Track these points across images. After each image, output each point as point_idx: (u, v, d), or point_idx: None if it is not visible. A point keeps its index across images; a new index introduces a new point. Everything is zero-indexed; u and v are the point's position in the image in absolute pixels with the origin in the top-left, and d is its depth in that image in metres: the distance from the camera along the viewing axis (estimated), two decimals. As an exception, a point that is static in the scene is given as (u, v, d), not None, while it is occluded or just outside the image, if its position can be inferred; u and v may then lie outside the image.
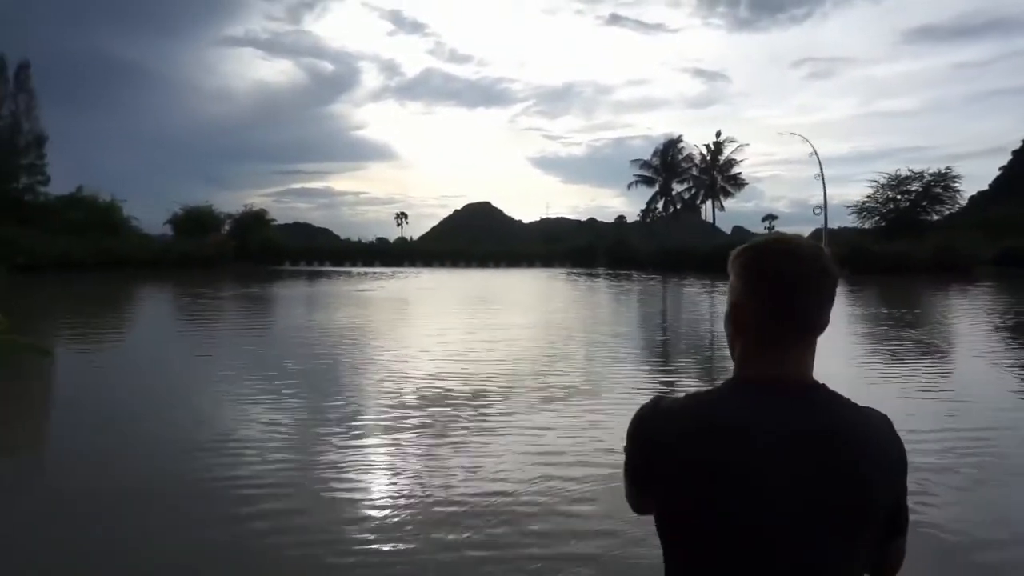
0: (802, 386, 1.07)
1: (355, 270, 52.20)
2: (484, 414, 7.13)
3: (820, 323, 1.10)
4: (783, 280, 1.08)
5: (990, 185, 79.74)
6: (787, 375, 1.07)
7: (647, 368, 10.47)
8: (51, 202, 49.21)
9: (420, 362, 10.42)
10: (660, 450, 1.07)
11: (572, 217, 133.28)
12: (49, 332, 14.21)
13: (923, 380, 9.27)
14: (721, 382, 1.13)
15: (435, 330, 15.19)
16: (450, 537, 4.08)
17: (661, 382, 9.19)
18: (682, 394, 1.14)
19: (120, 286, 29.72)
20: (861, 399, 1.12)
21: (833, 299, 1.10)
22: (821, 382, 1.09)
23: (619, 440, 1.17)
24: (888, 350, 12.05)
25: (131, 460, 5.65)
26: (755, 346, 1.11)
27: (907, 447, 1.11)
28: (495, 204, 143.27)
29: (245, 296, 25.67)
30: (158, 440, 6.23)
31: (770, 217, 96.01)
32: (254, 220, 60.41)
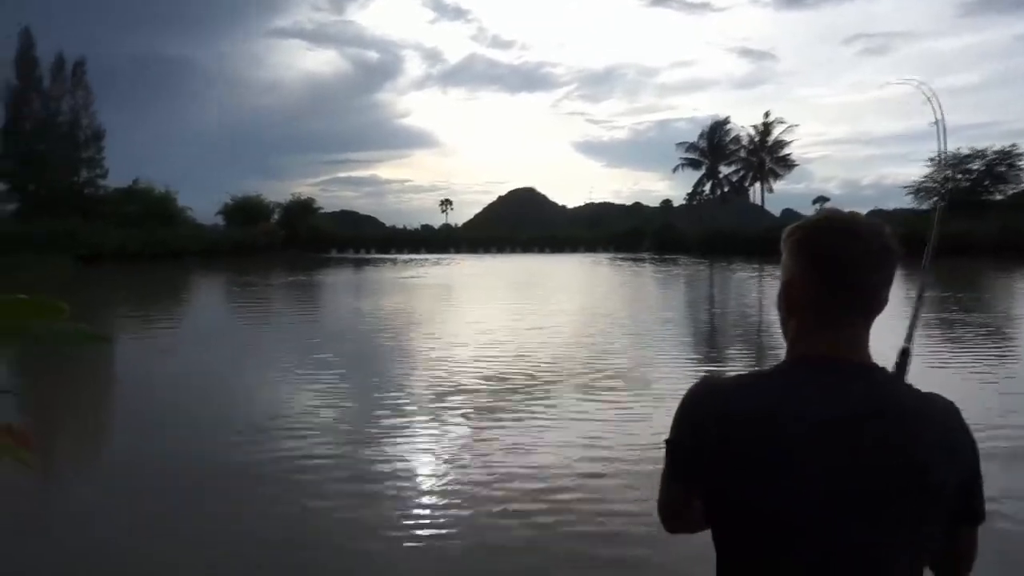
0: (858, 366, 1.05)
1: (400, 257, 52.80)
2: (530, 403, 7.12)
3: (878, 303, 1.08)
4: (840, 258, 1.05)
5: (1059, 162, 75.94)
6: (842, 355, 1.05)
7: (696, 356, 10.36)
8: (109, 195, 50.90)
9: (467, 349, 10.47)
10: (711, 432, 1.04)
11: (616, 202, 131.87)
12: (108, 320, 14.78)
13: (985, 368, 8.90)
14: (776, 364, 1.10)
15: (480, 317, 15.26)
16: (499, 521, 4.12)
17: (710, 370, 9.10)
18: (734, 375, 1.11)
19: (175, 276, 30.63)
20: (918, 386, 1.09)
21: (892, 279, 1.07)
22: (879, 364, 1.07)
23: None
24: (949, 336, 11.62)
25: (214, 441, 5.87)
26: (810, 326, 1.08)
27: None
28: (539, 190, 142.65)
29: (294, 284, 26.17)
30: (224, 421, 6.48)
31: (821, 199, 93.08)
32: (302, 209, 61.61)
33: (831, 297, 1.06)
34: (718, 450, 1.03)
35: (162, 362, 9.99)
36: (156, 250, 41.96)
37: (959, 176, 51.18)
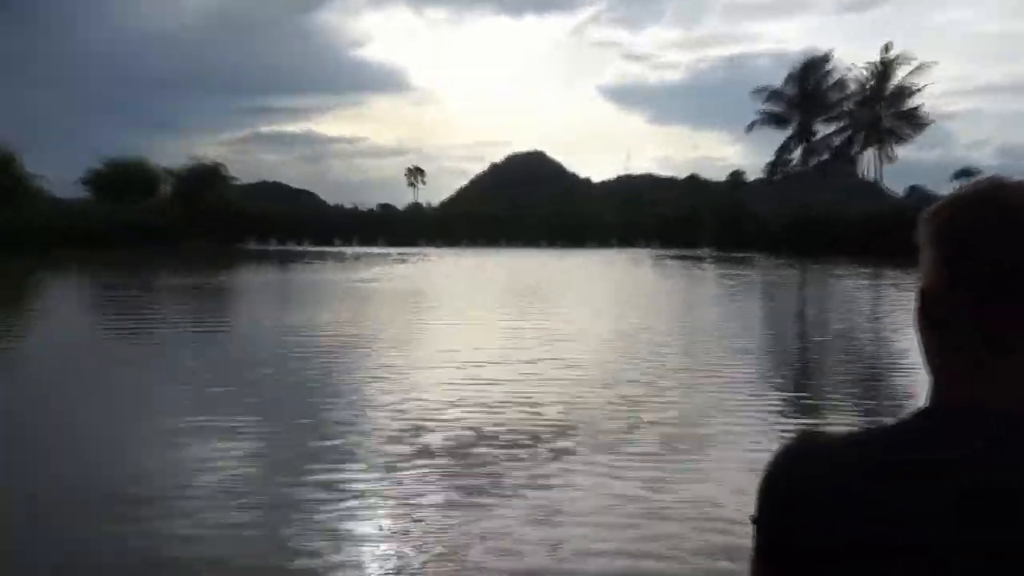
0: None
1: (349, 251, 53.18)
2: (532, 469, 7.36)
3: None
4: (1008, 256, 1.03)
5: None
6: (1007, 403, 1.02)
7: (784, 406, 10.61)
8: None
9: (437, 390, 10.77)
10: (814, 514, 1.04)
11: (665, 174, 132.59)
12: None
13: None
14: (907, 414, 1.08)
15: (461, 342, 15.51)
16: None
17: (805, 426, 9.14)
18: (843, 431, 1.13)
19: (11, 275, 30.50)
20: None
21: None
22: None
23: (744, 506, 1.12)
24: None
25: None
26: (960, 357, 1.07)
27: None
28: (551, 155, 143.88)
29: (191, 290, 26.29)
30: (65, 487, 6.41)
31: (964, 173, 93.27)
32: (205, 178, 61.74)
33: (993, 314, 1.04)
34: (820, 544, 1.04)
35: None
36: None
37: None
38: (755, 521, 1.13)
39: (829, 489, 1.05)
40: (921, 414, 1.08)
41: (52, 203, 52.66)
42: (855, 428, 1.14)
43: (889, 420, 1.09)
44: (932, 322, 1.10)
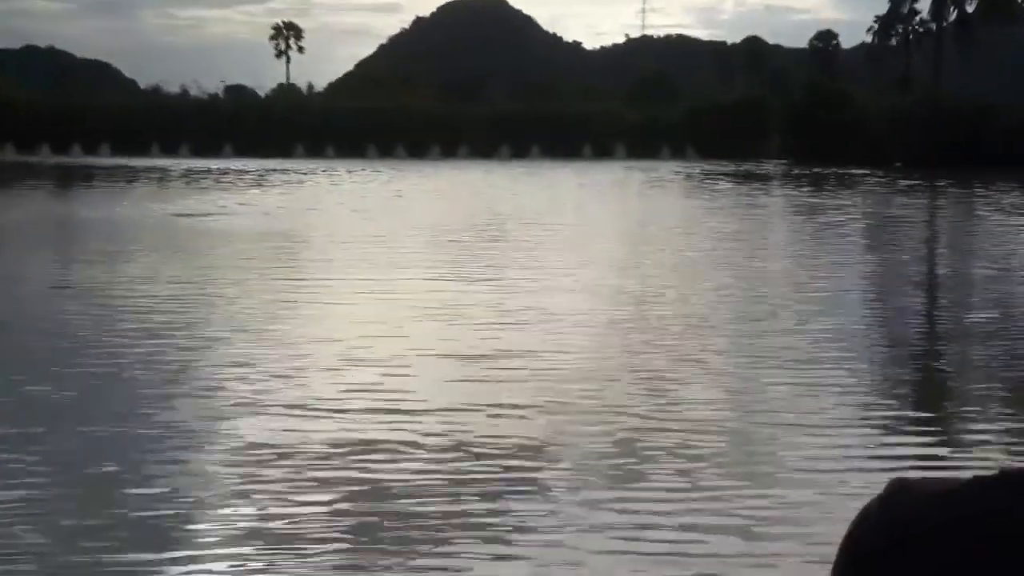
0: None
1: (175, 164, 53.12)
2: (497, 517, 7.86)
3: None
4: None
5: None
6: None
7: (889, 421, 10.94)
8: None
9: (326, 397, 11.02)
10: None
11: (701, 36, 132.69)
12: None
13: None
14: None
15: (350, 328, 15.41)
16: None
17: (920, 466, 9.40)
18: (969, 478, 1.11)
19: None
20: None
21: None
22: None
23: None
24: None
25: None
26: None
27: None
28: (514, 3, 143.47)
29: None
30: None
31: None
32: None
33: None
34: None
35: None
36: None
37: None
38: None
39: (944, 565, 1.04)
40: None
41: None
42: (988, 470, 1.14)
43: None
44: None
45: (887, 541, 1.11)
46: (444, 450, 9.66)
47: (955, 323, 17.18)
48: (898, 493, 1.13)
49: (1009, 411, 11.73)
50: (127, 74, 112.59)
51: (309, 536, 7.77)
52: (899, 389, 12.70)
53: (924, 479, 1.14)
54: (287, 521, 8.06)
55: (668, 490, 8.76)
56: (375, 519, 8.11)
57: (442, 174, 50.34)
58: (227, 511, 8.25)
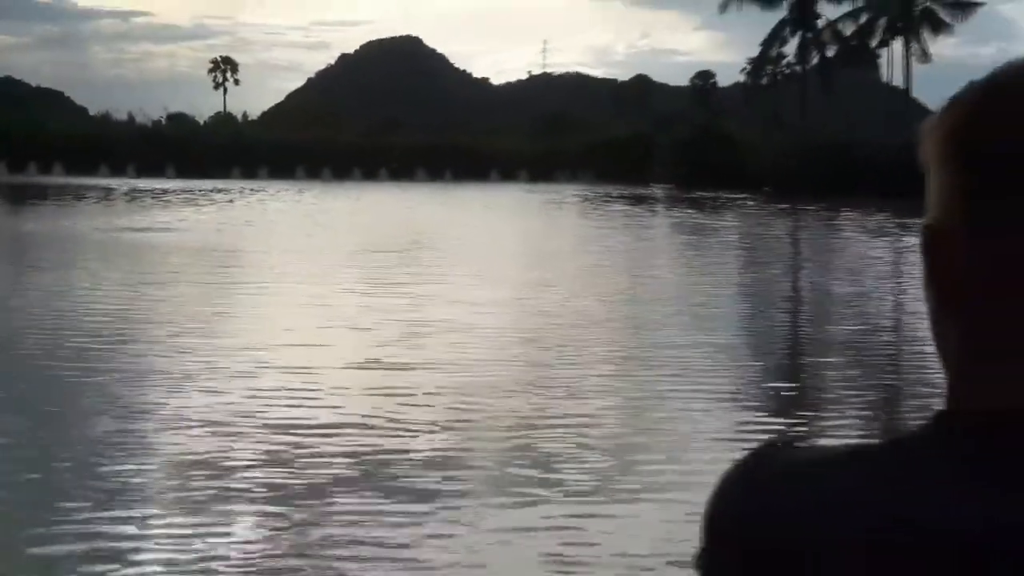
0: None
1: (123, 184, 52.38)
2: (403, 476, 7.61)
3: None
4: None
5: None
6: None
7: (762, 403, 10.99)
8: None
9: (276, 375, 10.83)
10: (779, 537, 1.00)
11: (596, 74, 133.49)
12: None
13: None
14: (917, 424, 0.99)
15: (305, 312, 15.62)
16: None
17: (785, 429, 9.62)
18: (823, 444, 1.09)
19: None
20: None
21: None
22: None
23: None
24: None
25: None
26: (986, 333, 1.01)
27: None
28: (429, 43, 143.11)
29: None
30: None
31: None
32: None
33: None
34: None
35: None
36: None
37: None
38: (696, 562, 1.09)
39: (794, 529, 1.00)
40: (938, 431, 1.03)
41: None
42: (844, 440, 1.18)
43: (891, 435, 1.03)
44: (942, 281, 1.05)
45: (768, 487, 1.07)
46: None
47: (797, 315, 17.48)
48: (771, 449, 1.12)
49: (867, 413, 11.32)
50: (78, 102, 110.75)
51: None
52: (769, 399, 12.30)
53: (780, 447, 1.11)
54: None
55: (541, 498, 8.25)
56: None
57: (364, 195, 49.95)
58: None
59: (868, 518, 0.97)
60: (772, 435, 9.72)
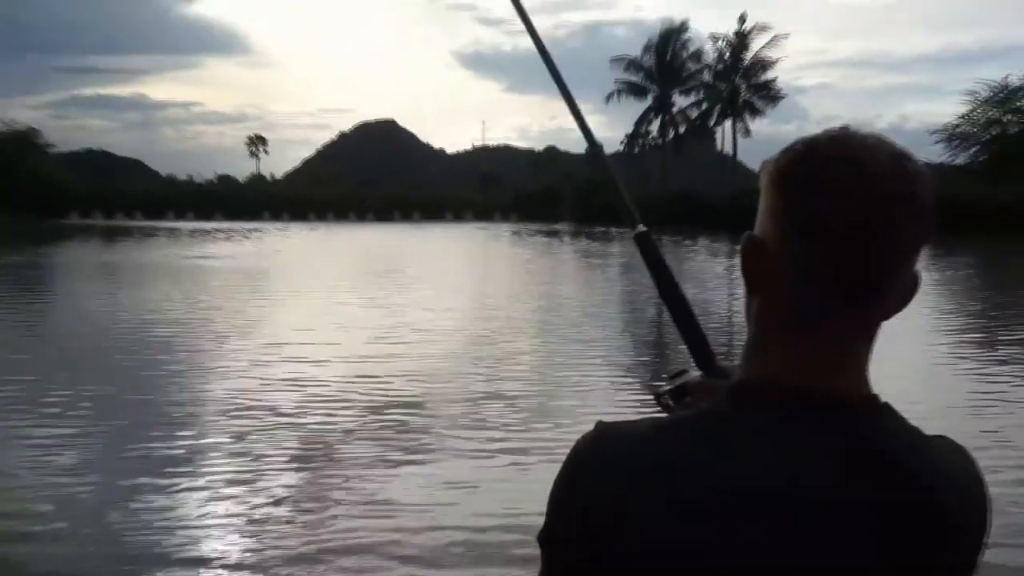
0: (853, 407, 0.99)
1: (184, 226, 51.71)
2: (388, 436, 7.62)
3: (895, 286, 1.01)
4: (841, 200, 0.97)
5: None
6: (827, 381, 0.99)
7: (635, 382, 10.72)
8: None
9: (292, 366, 10.76)
10: (615, 495, 0.96)
11: (522, 145, 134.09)
12: None
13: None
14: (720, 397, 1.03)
15: (312, 319, 15.41)
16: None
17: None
18: (650, 416, 1.07)
19: None
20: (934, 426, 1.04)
21: (920, 248, 1.00)
22: (881, 398, 1.01)
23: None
24: (974, 349, 12.57)
25: None
26: (780, 322, 1.03)
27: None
28: (403, 124, 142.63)
29: (5, 269, 25.01)
30: None
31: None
32: (16, 145, 58.55)
33: (816, 271, 0.99)
34: (628, 557, 0.95)
35: None
36: None
37: (1007, 118, 53.63)
38: (540, 541, 1.03)
39: (622, 490, 0.97)
40: (737, 398, 1.03)
41: None
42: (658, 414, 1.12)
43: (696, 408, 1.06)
44: (756, 277, 1.05)
45: (604, 459, 1.01)
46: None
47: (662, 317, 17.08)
48: (605, 427, 1.04)
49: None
50: (152, 167, 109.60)
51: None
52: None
53: (609, 425, 1.04)
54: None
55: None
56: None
57: (355, 230, 49.80)
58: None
59: (701, 481, 0.94)
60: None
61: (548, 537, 1.01)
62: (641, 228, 1.55)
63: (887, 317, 1.02)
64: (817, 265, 0.98)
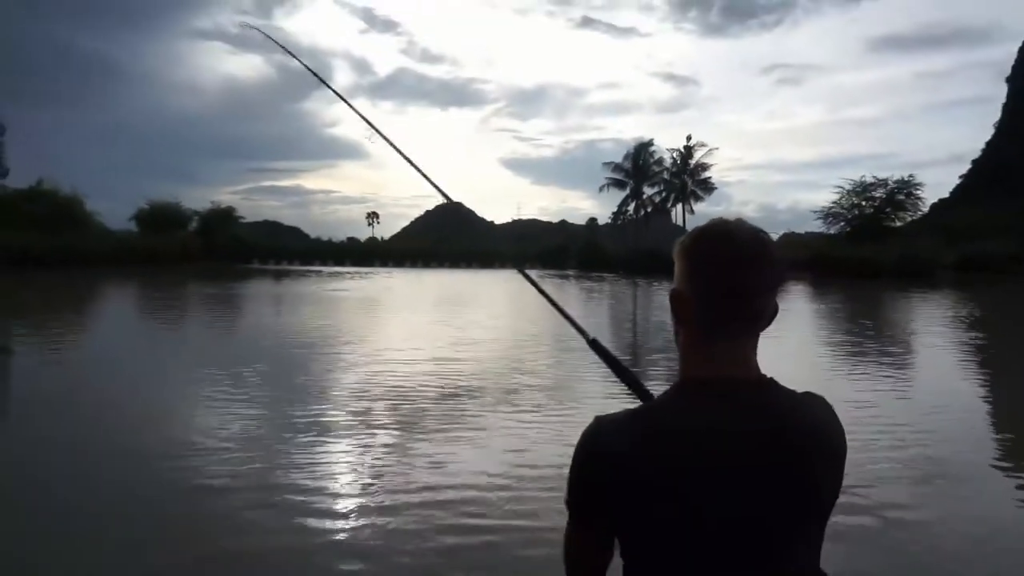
0: (751, 383, 1.04)
1: (325, 269, 51.78)
2: (455, 412, 7.27)
3: (764, 311, 1.06)
4: (715, 262, 1.04)
5: (951, 193, 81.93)
6: (732, 371, 1.04)
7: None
8: (9, 195, 48.01)
9: (393, 363, 10.58)
10: (613, 465, 1.00)
11: (543, 219, 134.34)
12: (7, 330, 13.89)
13: (872, 380, 9.61)
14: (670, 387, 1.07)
15: (406, 331, 15.28)
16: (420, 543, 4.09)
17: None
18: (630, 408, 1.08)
19: (83, 283, 28.98)
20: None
21: (776, 287, 1.06)
22: (770, 377, 1.07)
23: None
24: (847, 353, 12.34)
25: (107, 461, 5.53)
26: (697, 339, 1.08)
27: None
28: (467, 205, 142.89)
29: (211, 296, 25.28)
30: (128, 440, 6.11)
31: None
32: (222, 217, 59.54)
33: (714, 306, 1.04)
34: (619, 487, 0.99)
35: (62, 376, 9.43)
36: (62, 255, 39.35)
37: (863, 203, 53.88)
38: (569, 482, 1.05)
39: (618, 448, 1.00)
40: (677, 388, 1.06)
41: (107, 233, 50.24)
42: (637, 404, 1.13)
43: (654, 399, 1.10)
44: (679, 313, 1.10)
45: (601, 431, 1.04)
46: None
47: (635, 329, 16.30)
48: (600, 416, 1.07)
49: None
50: (304, 231, 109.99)
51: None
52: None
53: (608, 415, 1.07)
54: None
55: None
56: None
57: (436, 274, 49.29)
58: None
59: (686, 440, 1.00)
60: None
61: (571, 501, 1.06)
62: (591, 338, 1.48)
63: (763, 329, 1.08)
64: (714, 302, 1.05)
